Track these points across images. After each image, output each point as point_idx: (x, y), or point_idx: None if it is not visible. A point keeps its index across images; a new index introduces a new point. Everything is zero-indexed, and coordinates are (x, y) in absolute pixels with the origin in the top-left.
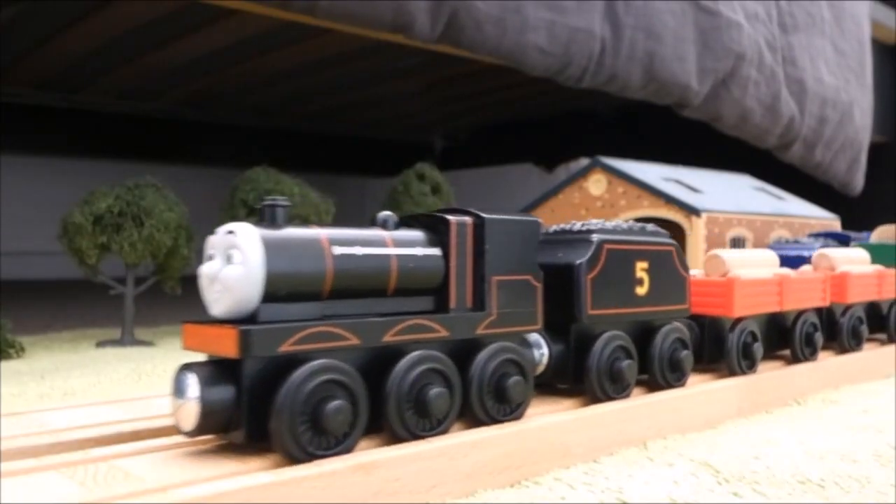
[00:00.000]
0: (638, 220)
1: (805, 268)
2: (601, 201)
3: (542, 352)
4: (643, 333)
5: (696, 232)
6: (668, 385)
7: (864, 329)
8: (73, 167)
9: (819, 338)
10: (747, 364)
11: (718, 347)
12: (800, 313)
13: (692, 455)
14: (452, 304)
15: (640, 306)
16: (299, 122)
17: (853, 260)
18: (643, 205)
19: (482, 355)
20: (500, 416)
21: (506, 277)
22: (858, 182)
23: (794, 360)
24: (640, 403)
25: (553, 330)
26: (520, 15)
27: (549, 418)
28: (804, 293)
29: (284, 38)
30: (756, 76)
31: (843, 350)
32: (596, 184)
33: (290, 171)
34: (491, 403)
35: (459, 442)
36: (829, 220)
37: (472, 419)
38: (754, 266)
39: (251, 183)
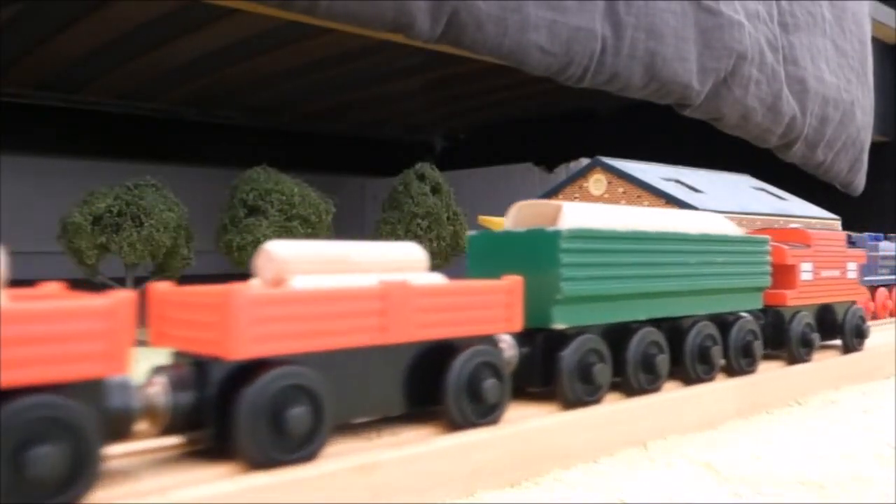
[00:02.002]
0: None
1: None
2: (601, 201)
3: None
4: None
5: None
6: None
7: (299, 415)
8: (73, 167)
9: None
10: None
11: None
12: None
13: (692, 455)
14: None
15: None
16: (299, 122)
17: (352, 263)
18: (643, 205)
19: None
20: None
21: None
22: (860, 182)
23: None
24: (640, 404)
25: None
26: (520, 14)
27: (550, 419)
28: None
29: (284, 38)
30: (757, 75)
31: (251, 465)
32: (596, 184)
33: (289, 171)
34: None
35: (460, 443)
36: (830, 221)
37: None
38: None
39: (251, 183)
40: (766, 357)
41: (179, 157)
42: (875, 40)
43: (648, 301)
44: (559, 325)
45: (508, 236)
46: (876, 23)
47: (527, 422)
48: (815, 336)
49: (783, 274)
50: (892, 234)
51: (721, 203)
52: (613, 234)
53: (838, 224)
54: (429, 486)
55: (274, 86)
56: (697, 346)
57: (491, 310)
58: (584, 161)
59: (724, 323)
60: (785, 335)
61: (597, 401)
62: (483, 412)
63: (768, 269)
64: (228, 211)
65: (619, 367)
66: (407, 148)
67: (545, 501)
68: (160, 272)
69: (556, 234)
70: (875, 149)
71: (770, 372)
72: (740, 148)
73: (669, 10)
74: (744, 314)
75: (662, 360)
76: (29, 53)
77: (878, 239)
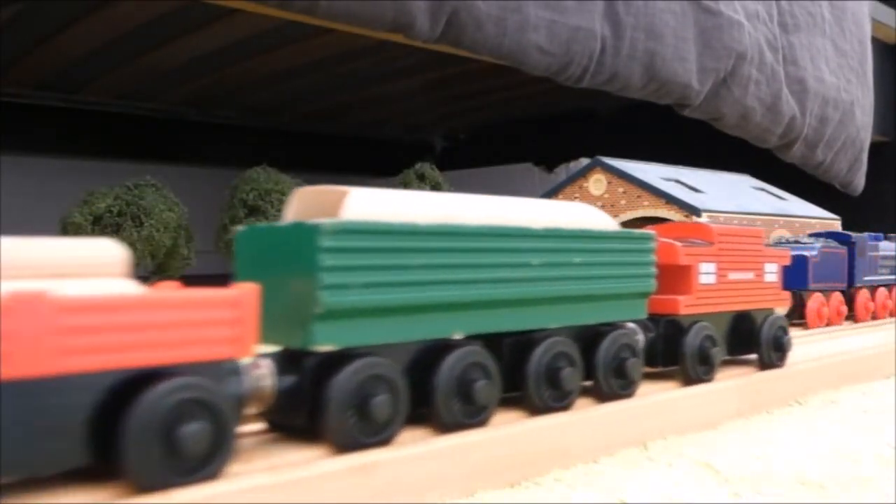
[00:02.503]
0: (638, 220)
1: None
2: (601, 201)
3: None
4: None
5: None
6: None
7: None
8: (73, 167)
9: None
10: None
11: None
12: None
13: (692, 455)
14: None
15: None
16: (299, 122)
17: None
18: (643, 205)
19: None
20: None
21: None
22: (859, 182)
23: None
24: (640, 404)
25: None
26: (520, 14)
27: (549, 419)
28: None
29: (284, 37)
30: (757, 75)
31: None
32: (596, 184)
33: (289, 171)
34: None
35: (460, 442)
36: (830, 221)
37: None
38: None
39: (251, 183)
40: (659, 376)
41: (179, 157)
42: (875, 40)
43: (468, 313)
44: (324, 346)
45: (273, 232)
46: (876, 23)
47: (527, 422)
48: (716, 351)
49: (675, 276)
50: (892, 234)
51: (721, 203)
52: (405, 228)
53: (838, 224)
54: (428, 486)
55: (274, 86)
56: (544, 368)
57: (207, 329)
58: (584, 161)
59: (594, 337)
60: (679, 350)
61: (383, 441)
62: (185, 469)
63: (653, 270)
64: (228, 211)
65: (426, 396)
66: (407, 148)
67: (545, 501)
68: (160, 272)
69: (315, 230)
70: (875, 149)
71: (770, 372)
72: (740, 148)
73: (669, 10)
74: (629, 325)
75: (484, 388)
76: (29, 53)
77: (878, 239)
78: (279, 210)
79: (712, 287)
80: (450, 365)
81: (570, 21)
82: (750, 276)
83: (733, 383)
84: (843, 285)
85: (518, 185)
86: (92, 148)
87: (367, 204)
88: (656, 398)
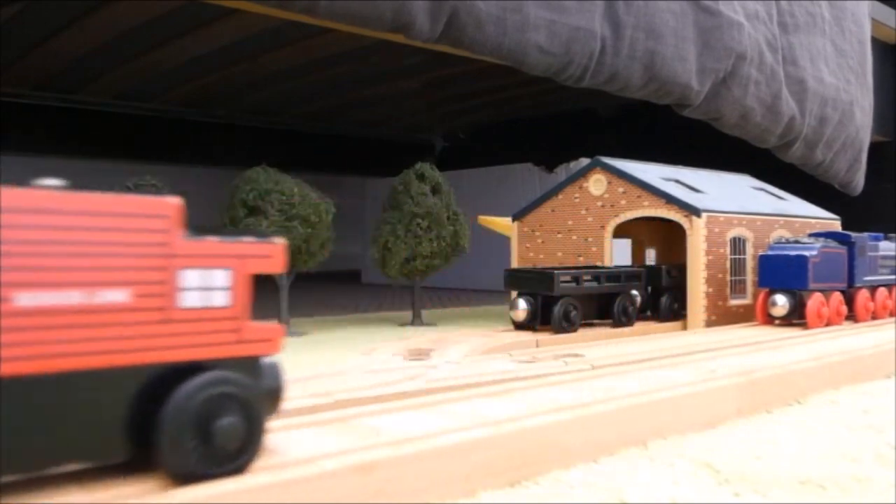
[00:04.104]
0: (638, 220)
1: None
2: (601, 201)
3: None
4: None
5: (697, 232)
6: None
7: None
8: (73, 167)
9: None
10: None
11: None
12: None
13: (692, 455)
14: None
15: None
16: (299, 122)
17: None
18: (643, 205)
19: None
20: None
21: None
22: (859, 182)
23: None
24: (640, 403)
25: None
26: (520, 14)
27: (549, 418)
28: None
29: (284, 37)
30: (756, 76)
31: None
32: (596, 184)
33: (290, 171)
34: None
35: (460, 442)
36: (830, 221)
37: None
38: None
39: (251, 183)
40: None
41: (179, 157)
42: (875, 40)
43: None
44: None
45: None
46: (876, 23)
47: (527, 422)
48: None
49: None
50: (892, 234)
51: (721, 203)
52: None
53: (838, 224)
54: (429, 486)
55: (274, 86)
56: None
57: None
58: (584, 161)
59: None
60: None
61: None
62: None
63: None
64: (228, 211)
65: None
66: (407, 148)
67: (545, 501)
68: None
69: None
70: (875, 149)
71: (770, 371)
72: (740, 148)
73: (669, 10)
74: None
75: None
76: (29, 53)
77: (878, 239)
78: (279, 210)
79: None
80: None
81: (570, 21)
82: (117, 296)
83: (733, 382)
84: (843, 285)
85: (518, 185)
86: (92, 148)
87: None
88: (656, 397)
